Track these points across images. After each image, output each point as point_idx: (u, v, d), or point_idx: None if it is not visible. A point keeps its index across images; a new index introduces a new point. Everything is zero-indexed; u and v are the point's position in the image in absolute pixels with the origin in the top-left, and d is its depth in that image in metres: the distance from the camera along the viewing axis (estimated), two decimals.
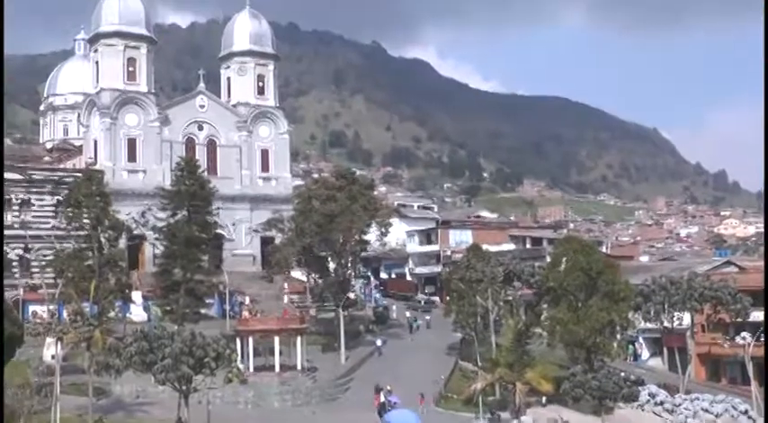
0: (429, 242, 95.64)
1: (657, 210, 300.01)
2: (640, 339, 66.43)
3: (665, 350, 63.30)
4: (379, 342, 63.31)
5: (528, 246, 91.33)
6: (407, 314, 74.98)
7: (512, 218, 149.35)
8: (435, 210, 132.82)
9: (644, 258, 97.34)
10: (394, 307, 79.27)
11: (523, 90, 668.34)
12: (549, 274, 53.98)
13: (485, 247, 66.98)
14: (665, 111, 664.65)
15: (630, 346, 66.87)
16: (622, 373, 51.77)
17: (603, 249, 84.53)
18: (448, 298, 66.36)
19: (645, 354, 67.56)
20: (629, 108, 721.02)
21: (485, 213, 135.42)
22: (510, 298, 60.98)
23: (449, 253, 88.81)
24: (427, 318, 73.97)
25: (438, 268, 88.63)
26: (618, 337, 54.56)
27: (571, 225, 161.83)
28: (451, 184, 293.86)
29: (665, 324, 56.43)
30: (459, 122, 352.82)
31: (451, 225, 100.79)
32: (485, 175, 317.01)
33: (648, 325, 58.75)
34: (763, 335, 51.65)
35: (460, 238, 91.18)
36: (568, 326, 49.86)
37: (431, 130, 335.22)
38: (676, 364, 56.44)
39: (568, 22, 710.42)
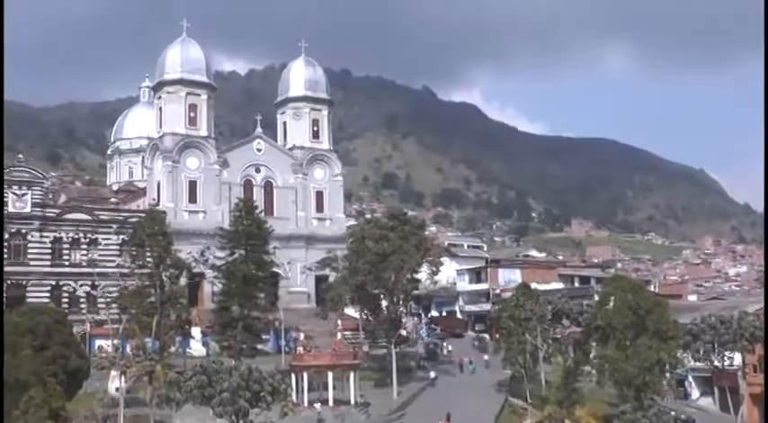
0: (479, 281, 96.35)
1: (705, 249, 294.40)
2: (690, 378, 65.81)
3: (716, 390, 62.84)
4: (432, 374, 64.50)
5: (576, 284, 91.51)
6: (465, 359, 72.36)
7: (560, 257, 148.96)
8: (485, 249, 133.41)
9: (692, 297, 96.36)
10: (445, 344, 79.93)
11: (569, 132, 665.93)
12: (597, 312, 54.46)
13: (533, 285, 67.78)
14: (713, 151, 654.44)
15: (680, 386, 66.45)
16: (673, 413, 52.18)
17: (651, 288, 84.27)
18: (497, 335, 67.10)
19: (695, 393, 66.91)
20: (675, 149, 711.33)
21: (533, 253, 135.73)
22: (558, 336, 61.67)
23: (498, 291, 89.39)
24: (486, 358, 71.69)
25: (488, 306, 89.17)
26: (667, 375, 54.57)
27: (619, 264, 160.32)
28: (500, 224, 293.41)
29: (716, 363, 56.04)
30: (507, 164, 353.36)
31: (501, 264, 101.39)
32: (533, 215, 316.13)
33: (698, 364, 58.36)
34: None
35: (509, 277, 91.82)
36: (617, 364, 50.10)
37: (480, 171, 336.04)
38: (728, 404, 56.02)
39: (613, 63, 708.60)
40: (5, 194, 72.92)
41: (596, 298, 61.88)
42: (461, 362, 71.20)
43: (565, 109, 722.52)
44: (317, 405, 48.31)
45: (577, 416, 44.70)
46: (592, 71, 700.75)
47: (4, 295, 69.70)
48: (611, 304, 52.50)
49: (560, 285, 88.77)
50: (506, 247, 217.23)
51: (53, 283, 73.40)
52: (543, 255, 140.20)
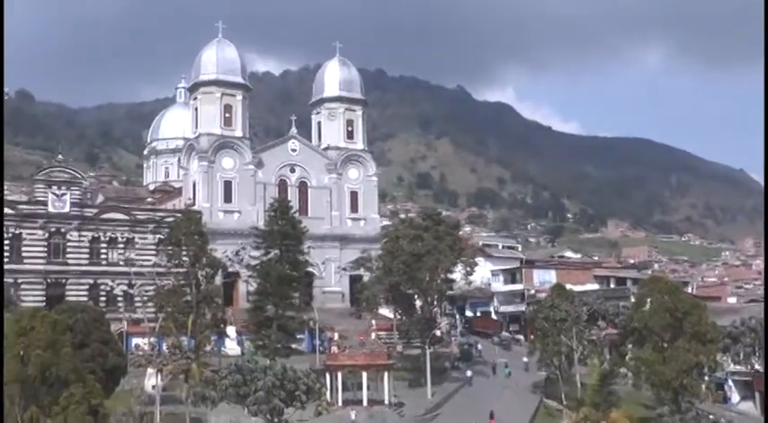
0: (513, 281, 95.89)
1: (746, 251, 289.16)
2: (730, 382, 64.79)
3: (757, 394, 61.81)
4: (469, 373, 64.44)
5: (612, 285, 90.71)
6: (501, 360, 71.25)
7: (595, 258, 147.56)
8: (519, 249, 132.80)
9: (732, 299, 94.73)
10: (479, 345, 79.69)
11: (604, 131, 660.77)
12: (633, 314, 53.89)
13: (569, 286, 67.17)
14: (753, 151, 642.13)
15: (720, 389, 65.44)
16: (711, 416, 51.47)
17: (689, 290, 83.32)
18: (532, 336, 66.66)
19: (735, 397, 65.71)
20: (714, 148, 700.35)
21: (568, 253, 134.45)
22: (594, 337, 61.03)
23: (533, 292, 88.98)
24: (525, 360, 69.14)
25: (522, 307, 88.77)
26: (706, 378, 53.82)
27: (656, 265, 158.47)
28: (535, 225, 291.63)
29: (756, 367, 55.30)
30: (542, 164, 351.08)
31: (536, 264, 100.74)
32: (568, 215, 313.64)
33: (738, 367, 57.65)
34: None
35: (544, 278, 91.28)
36: (654, 366, 49.41)
37: (515, 171, 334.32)
38: None
39: (649, 61, 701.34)
40: (45, 194, 74.21)
41: (632, 299, 61.45)
42: (494, 363, 70.61)
43: (599, 108, 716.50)
44: (353, 414, 48.41)
45: (613, 418, 44.33)
46: (627, 69, 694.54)
47: (46, 293, 71.12)
48: (648, 306, 51.87)
49: (596, 286, 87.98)
50: (541, 247, 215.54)
51: (91, 281, 74.48)
52: (578, 255, 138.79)
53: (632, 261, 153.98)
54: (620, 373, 54.80)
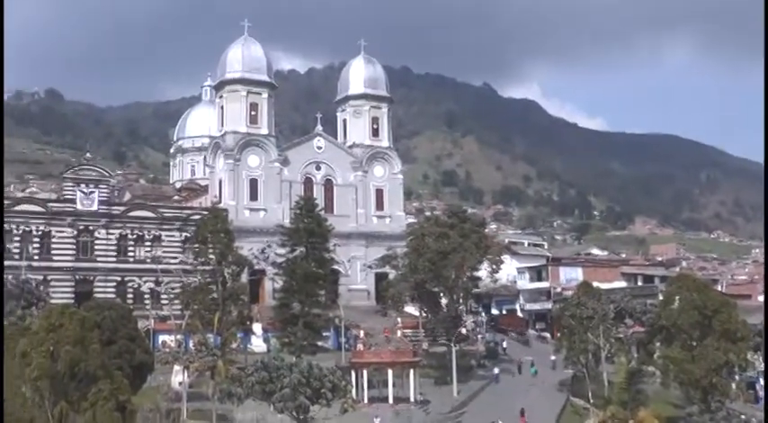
0: (539, 279, 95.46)
1: None
2: (761, 381, 63.98)
3: None
4: (496, 370, 64.44)
5: (639, 283, 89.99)
6: (527, 358, 70.67)
7: (622, 255, 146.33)
8: (545, 247, 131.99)
9: (762, 297, 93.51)
10: (504, 343, 79.38)
11: (631, 127, 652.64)
12: (661, 311, 53.44)
13: (595, 284, 66.70)
14: None
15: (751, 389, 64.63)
16: (743, 416, 50.74)
17: (719, 288, 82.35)
18: (559, 334, 66.26)
19: None
20: (744, 145, 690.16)
21: (595, 251, 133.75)
22: (621, 335, 60.57)
23: (559, 290, 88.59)
24: (553, 358, 68.31)
25: (549, 305, 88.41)
26: (736, 378, 53.26)
27: (684, 263, 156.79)
28: (561, 222, 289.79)
29: None
30: (568, 161, 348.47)
31: (562, 262, 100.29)
32: (595, 213, 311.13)
33: None
34: None
35: (571, 276, 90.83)
36: (683, 365, 49.03)
37: (541, 168, 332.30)
38: None
39: (675, 56, 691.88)
40: (74, 192, 74.99)
41: (660, 297, 60.84)
42: (520, 362, 70.10)
43: (626, 104, 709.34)
44: (377, 419, 48.39)
45: (641, 417, 43.77)
46: (653, 65, 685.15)
47: (75, 290, 71.89)
48: (676, 304, 51.38)
49: (623, 284, 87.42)
50: (567, 244, 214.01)
51: (118, 278, 75.15)
52: (605, 253, 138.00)
53: (660, 258, 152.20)
54: (647, 371, 54.35)
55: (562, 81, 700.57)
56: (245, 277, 64.70)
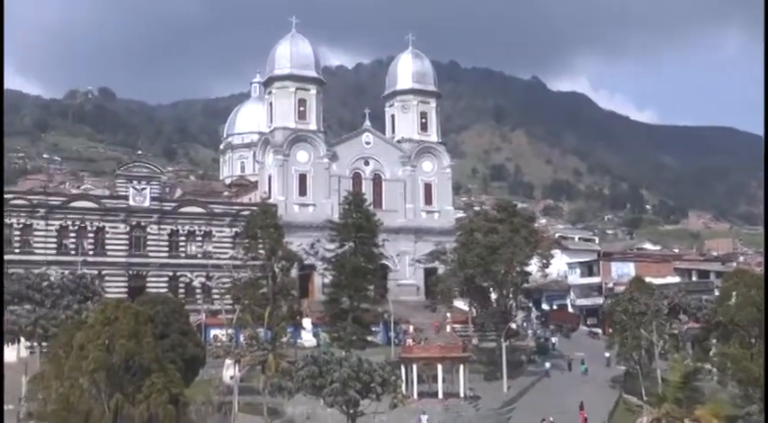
0: (590, 274, 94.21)
1: None
2: None
3: None
4: (547, 365, 64.02)
5: (694, 279, 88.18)
6: (578, 354, 69.45)
7: (676, 250, 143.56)
8: (596, 242, 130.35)
9: None
10: (554, 338, 78.51)
11: (683, 120, 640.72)
12: (718, 308, 52.43)
13: (648, 279, 65.56)
14: None
15: None
16: None
17: None
18: (610, 330, 65.30)
19: None
20: None
21: (647, 245, 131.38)
22: (675, 331, 59.42)
23: (611, 285, 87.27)
24: (606, 355, 66.33)
25: (600, 300, 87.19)
26: None
27: (741, 258, 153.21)
28: (612, 217, 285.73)
29: None
30: (620, 155, 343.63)
31: (613, 257, 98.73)
32: (647, 207, 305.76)
33: None
34: None
35: (622, 271, 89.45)
36: (741, 363, 47.89)
37: (591, 162, 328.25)
38: None
39: (729, 46, 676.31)
40: (126, 189, 76.27)
41: (716, 293, 59.57)
42: (570, 358, 69.07)
43: (678, 96, 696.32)
44: (424, 416, 48.32)
45: (697, 416, 42.78)
46: (706, 55, 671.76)
47: (128, 285, 73.14)
48: (734, 300, 50.23)
49: (677, 279, 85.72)
50: (619, 239, 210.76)
51: (170, 273, 76.22)
52: (658, 247, 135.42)
53: (715, 253, 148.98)
54: (703, 368, 53.19)
55: (611, 73, 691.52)
56: (294, 272, 65.23)
